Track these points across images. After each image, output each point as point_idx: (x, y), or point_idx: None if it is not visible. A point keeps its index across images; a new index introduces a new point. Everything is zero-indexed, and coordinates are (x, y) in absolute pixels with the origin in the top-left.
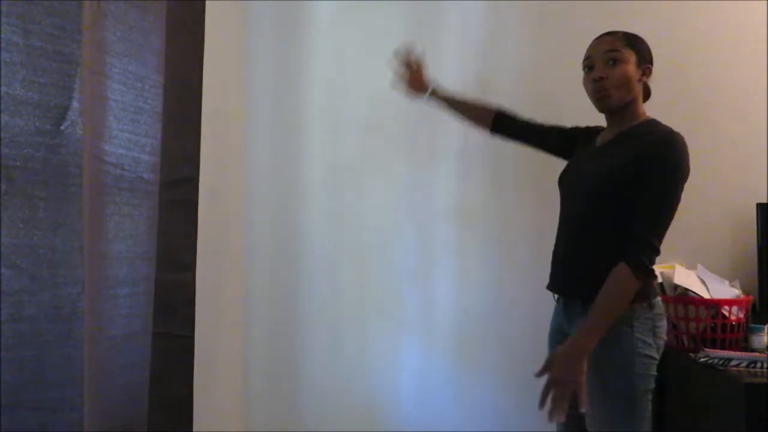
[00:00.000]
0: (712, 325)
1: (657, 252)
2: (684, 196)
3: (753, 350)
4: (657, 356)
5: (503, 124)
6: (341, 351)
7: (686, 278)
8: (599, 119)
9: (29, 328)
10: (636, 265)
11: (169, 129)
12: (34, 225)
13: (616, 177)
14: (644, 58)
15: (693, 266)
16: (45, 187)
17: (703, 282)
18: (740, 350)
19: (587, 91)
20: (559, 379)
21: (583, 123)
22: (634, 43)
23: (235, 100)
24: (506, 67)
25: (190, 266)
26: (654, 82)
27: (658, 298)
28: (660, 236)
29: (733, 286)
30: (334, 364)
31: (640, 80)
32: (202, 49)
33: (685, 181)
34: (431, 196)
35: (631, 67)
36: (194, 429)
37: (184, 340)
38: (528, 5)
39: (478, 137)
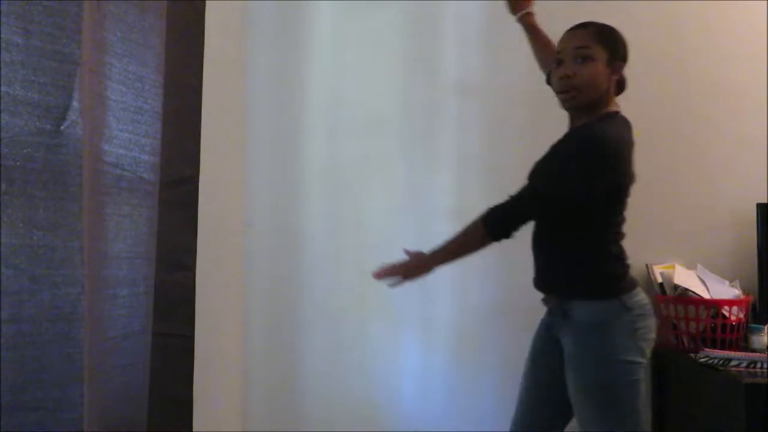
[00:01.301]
0: (712, 325)
1: (520, 214)
2: (684, 196)
3: (753, 350)
4: (642, 359)
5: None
6: (341, 351)
7: (686, 278)
8: None
9: (29, 328)
10: (488, 213)
11: (169, 129)
12: (34, 225)
13: (534, 166)
14: (616, 55)
15: (693, 266)
16: (45, 187)
17: (703, 282)
18: (740, 350)
19: (553, 87)
20: (407, 266)
21: None
22: (607, 39)
23: (235, 100)
24: (506, 66)
25: (190, 266)
26: (654, 82)
27: (640, 298)
28: (528, 203)
29: (733, 286)
30: (334, 364)
31: (610, 78)
32: (202, 49)
33: (590, 173)
34: (431, 196)
35: (601, 66)
36: (194, 429)
37: (184, 340)
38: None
39: (478, 137)
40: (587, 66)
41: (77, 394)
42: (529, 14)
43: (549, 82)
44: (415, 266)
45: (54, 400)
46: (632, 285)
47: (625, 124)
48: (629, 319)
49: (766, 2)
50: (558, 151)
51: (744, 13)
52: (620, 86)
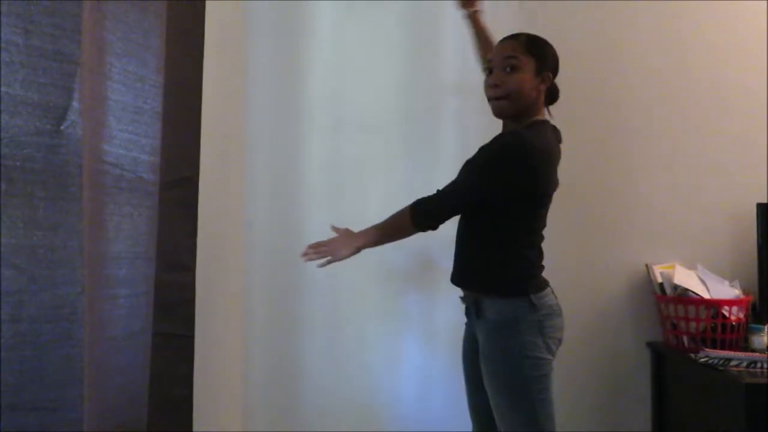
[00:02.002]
0: (712, 325)
1: (441, 207)
2: (684, 196)
3: (753, 350)
4: (549, 356)
5: None
6: (341, 351)
7: (686, 278)
8: (597, 117)
9: (29, 328)
10: (415, 204)
11: (169, 129)
12: (34, 225)
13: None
14: (545, 65)
15: (693, 266)
16: (45, 187)
17: (703, 282)
18: (740, 350)
19: (485, 95)
20: (333, 243)
21: (583, 122)
22: (536, 50)
23: (235, 100)
24: None
25: (190, 266)
26: (654, 82)
27: (548, 298)
28: (447, 197)
29: (733, 286)
30: (334, 364)
31: (537, 88)
32: (202, 50)
33: (507, 175)
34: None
35: (528, 76)
36: (194, 429)
37: (184, 340)
38: (526, 5)
39: (478, 137)
40: (514, 75)
41: (77, 394)
42: (477, 12)
43: None
44: (342, 244)
45: (54, 400)
46: (542, 286)
47: (553, 132)
48: (537, 318)
49: (766, 2)
50: (482, 151)
51: (744, 13)
52: (551, 96)
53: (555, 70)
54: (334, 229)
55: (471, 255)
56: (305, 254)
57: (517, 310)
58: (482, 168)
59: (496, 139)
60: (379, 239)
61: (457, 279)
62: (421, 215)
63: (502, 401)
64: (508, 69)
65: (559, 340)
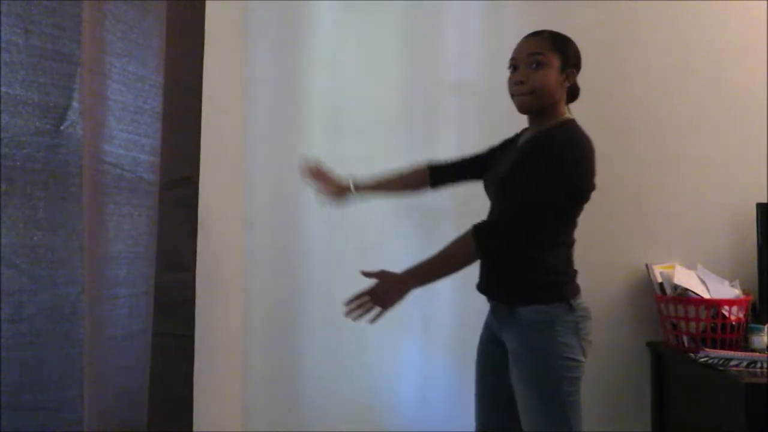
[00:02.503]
0: (712, 325)
1: (509, 231)
2: (684, 196)
3: (753, 350)
4: (582, 358)
5: (440, 175)
6: (341, 351)
7: (686, 278)
8: (597, 117)
9: (29, 328)
10: (476, 230)
11: (169, 129)
12: (34, 225)
13: (512, 173)
14: (569, 62)
15: (693, 266)
16: (45, 187)
17: (703, 282)
18: (740, 350)
19: (509, 92)
20: (377, 292)
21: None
22: (560, 46)
23: (235, 100)
24: (506, 67)
25: (190, 266)
26: (654, 82)
27: (582, 301)
28: (518, 218)
29: (733, 286)
30: (334, 365)
31: (562, 85)
32: (202, 50)
33: (569, 178)
34: (431, 196)
35: (554, 72)
36: (194, 429)
37: (184, 340)
38: (528, 5)
39: (478, 137)
40: (540, 72)
41: (77, 394)
42: (356, 185)
43: (434, 185)
44: (387, 290)
45: (54, 400)
46: (578, 290)
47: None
48: (572, 319)
49: (766, 2)
50: (539, 158)
51: (744, 13)
52: (573, 94)
53: (578, 67)
54: (370, 275)
55: (503, 263)
56: (349, 313)
57: (555, 310)
58: (550, 175)
59: (548, 141)
60: (434, 276)
61: (485, 288)
62: (483, 239)
63: (532, 401)
64: (534, 65)
65: (590, 343)
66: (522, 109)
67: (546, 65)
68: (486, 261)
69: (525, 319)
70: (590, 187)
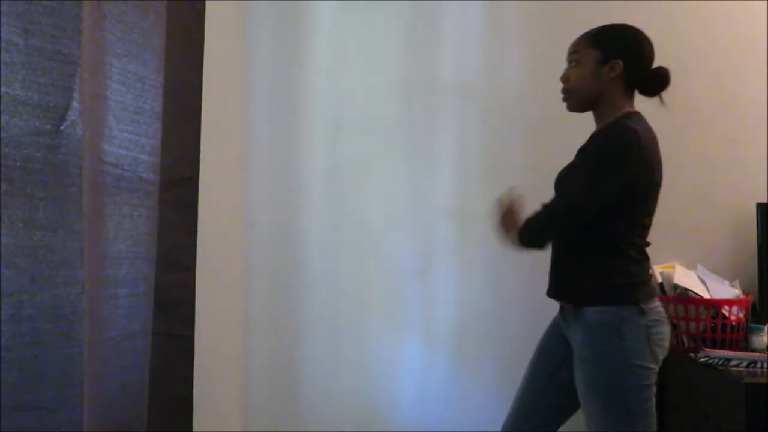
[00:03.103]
0: (712, 325)
1: (555, 224)
2: (684, 196)
3: (753, 350)
4: (654, 365)
5: None
6: (341, 351)
7: (686, 278)
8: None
9: (29, 328)
10: (526, 221)
11: (169, 129)
12: (34, 225)
13: (564, 173)
14: (611, 53)
15: (693, 266)
16: (45, 187)
17: (703, 282)
18: (740, 350)
19: None
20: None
21: (581, 122)
22: (600, 40)
23: (235, 100)
24: (506, 67)
25: (190, 266)
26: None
27: (656, 304)
28: (566, 211)
29: (733, 286)
30: (334, 364)
31: (606, 78)
32: (202, 49)
33: (620, 170)
34: (431, 196)
35: (587, 69)
36: (194, 429)
37: (184, 340)
38: (527, 5)
39: (478, 137)
40: (572, 71)
41: (77, 394)
42: None
43: None
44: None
45: (54, 400)
46: (652, 294)
47: (646, 122)
48: (645, 323)
49: (766, 2)
50: (587, 154)
51: (744, 13)
52: (645, 83)
53: (627, 56)
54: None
55: (573, 264)
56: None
57: (622, 312)
58: (595, 171)
59: (599, 137)
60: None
61: (555, 293)
62: (525, 235)
63: (596, 408)
64: (573, 64)
65: (666, 349)
66: (568, 109)
67: (579, 63)
68: (552, 266)
69: (591, 321)
70: (646, 182)
